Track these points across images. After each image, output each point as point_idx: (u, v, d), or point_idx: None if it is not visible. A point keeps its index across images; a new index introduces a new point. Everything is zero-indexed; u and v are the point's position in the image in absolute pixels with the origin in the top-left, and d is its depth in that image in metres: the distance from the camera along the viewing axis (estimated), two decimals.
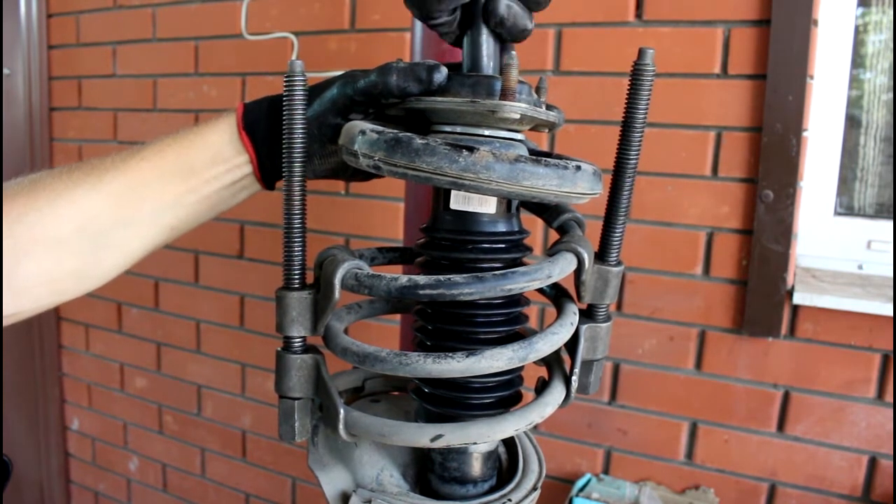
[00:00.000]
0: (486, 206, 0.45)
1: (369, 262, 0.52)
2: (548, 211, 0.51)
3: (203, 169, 0.52)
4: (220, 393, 1.79)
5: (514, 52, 0.40)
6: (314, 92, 0.49)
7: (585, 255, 0.45)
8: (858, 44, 1.24)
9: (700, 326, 1.25)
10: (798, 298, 1.14)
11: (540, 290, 0.48)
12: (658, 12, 1.21)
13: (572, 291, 0.48)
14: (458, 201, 0.45)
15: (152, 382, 1.91)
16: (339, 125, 0.48)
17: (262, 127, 0.51)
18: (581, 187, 0.41)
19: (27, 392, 2.09)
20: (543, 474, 0.50)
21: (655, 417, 1.30)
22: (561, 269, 0.43)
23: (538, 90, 0.48)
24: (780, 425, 1.21)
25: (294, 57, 1.50)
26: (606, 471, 1.35)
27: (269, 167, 0.52)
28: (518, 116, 0.41)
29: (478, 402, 0.47)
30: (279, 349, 0.46)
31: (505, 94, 0.40)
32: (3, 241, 0.48)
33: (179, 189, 0.52)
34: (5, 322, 0.50)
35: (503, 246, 0.46)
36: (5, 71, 1.92)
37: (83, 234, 0.50)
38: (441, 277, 0.39)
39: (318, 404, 0.47)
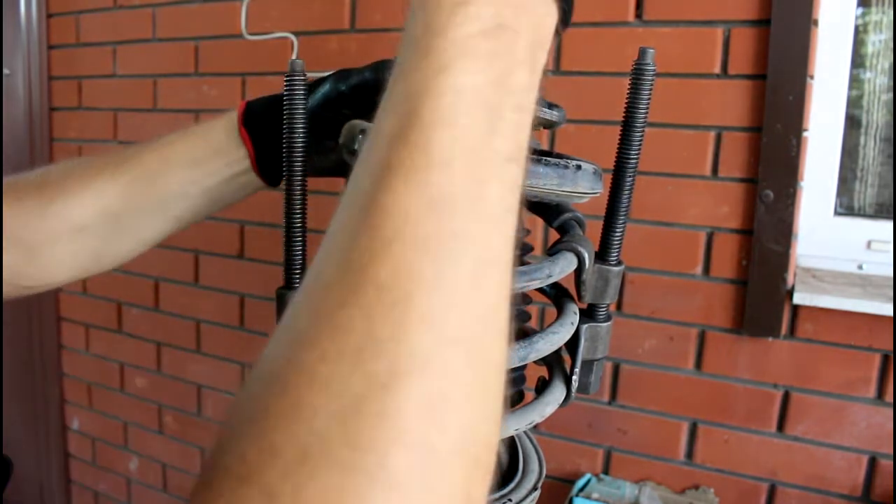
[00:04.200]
0: None
1: None
2: (548, 210, 0.51)
3: (205, 161, 0.54)
4: (220, 393, 1.79)
5: None
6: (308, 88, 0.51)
7: (586, 255, 0.45)
8: (858, 44, 1.23)
9: (700, 326, 1.25)
10: (798, 298, 1.14)
11: (540, 290, 0.48)
12: (658, 12, 1.21)
13: (572, 291, 0.48)
14: None
15: (152, 382, 1.91)
16: (331, 119, 0.49)
17: (262, 123, 0.53)
18: (582, 187, 0.41)
19: (27, 392, 2.09)
20: (544, 474, 0.50)
21: (655, 417, 1.30)
22: (561, 269, 0.43)
23: None
24: (781, 425, 1.21)
25: (294, 57, 1.50)
26: (606, 471, 1.35)
27: (266, 162, 0.54)
28: None
29: None
30: None
31: None
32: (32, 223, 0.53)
33: (184, 180, 0.54)
34: (25, 292, 0.55)
35: None
36: (5, 71, 1.92)
37: (101, 219, 0.54)
38: None
39: None
